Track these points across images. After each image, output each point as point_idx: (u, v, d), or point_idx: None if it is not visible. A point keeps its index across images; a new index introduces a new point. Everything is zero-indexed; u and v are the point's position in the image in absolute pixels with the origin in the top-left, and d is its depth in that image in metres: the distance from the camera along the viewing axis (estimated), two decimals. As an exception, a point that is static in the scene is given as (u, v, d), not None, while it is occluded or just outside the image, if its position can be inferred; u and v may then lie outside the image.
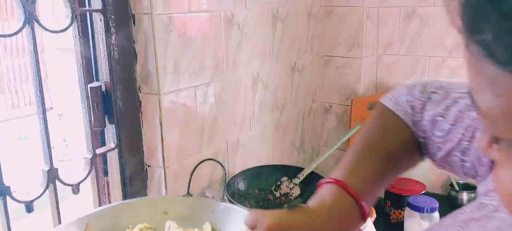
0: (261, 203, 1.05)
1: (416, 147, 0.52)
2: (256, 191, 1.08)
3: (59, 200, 0.86)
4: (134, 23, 0.86)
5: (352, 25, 1.39)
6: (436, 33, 1.39)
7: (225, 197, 0.97)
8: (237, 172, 1.10)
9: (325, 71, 1.47)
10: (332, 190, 0.47)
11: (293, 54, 1.33)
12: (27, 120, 4.83)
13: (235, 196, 1.03)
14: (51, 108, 3.94)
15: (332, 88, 1.48)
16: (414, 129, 0.51)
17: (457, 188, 1.47)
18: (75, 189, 0.91)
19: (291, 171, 1.09)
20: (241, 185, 1.08)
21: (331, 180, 0.48)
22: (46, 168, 0.83)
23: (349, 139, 1.33)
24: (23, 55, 5.19)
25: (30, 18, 0.73)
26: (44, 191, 0.83)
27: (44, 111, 0.80)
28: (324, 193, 0.48)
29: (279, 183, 1.08)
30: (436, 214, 1.20)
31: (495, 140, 0.25)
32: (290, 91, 1.36)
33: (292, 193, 1.06)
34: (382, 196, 1.37)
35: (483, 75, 0.22)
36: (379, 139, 0.53)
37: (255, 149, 1.22)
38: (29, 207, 0.81)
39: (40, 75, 0.79)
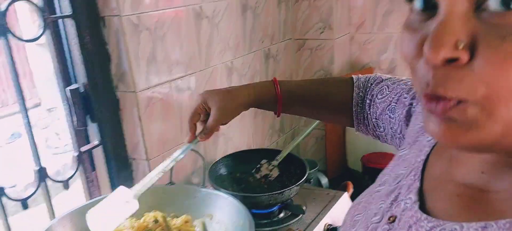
0: (243, 185, 1.11)
1: (350, 109, 0.66)
2: (238, 174, 1.14)
3: (53, 194, 0.92)
4: (104, 25, 0.90)
5: (323, 7, 1.42)
6: (406, 8, 1.44)
7: (208, 183, 1.03)
8: (218, 158, 1.16)
9: (300, 55, 1.52)
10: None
11: (266, 41, 1.37)
12: (19, 117, 4.81)
13: (218, 181, 1.09)
14: (39, 104, 3.93)
15: (307, 71, 1.53)
16: (362, 92, 0.64)
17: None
18: (65, 185, 0.96)
19: (270, 154, 1.15)
20: (223, 170, 1.14)
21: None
22: (36, 167, 0.88)
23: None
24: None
25: (3, 31, 0.76)
26: (36, 190, 0.88)
27: (27, 116, 0.85)
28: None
29: (258, 165, 1.14)
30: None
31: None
32: (266, 78, 1.40)
33: (272, 175, 1.12)
34: (360, 170, 1.44)
35: None
36: (327, 81, 0.74)
37: (235, 136, 1.28)
38: (24, 204, 0.87)
39: (20, 83, 0.83)
